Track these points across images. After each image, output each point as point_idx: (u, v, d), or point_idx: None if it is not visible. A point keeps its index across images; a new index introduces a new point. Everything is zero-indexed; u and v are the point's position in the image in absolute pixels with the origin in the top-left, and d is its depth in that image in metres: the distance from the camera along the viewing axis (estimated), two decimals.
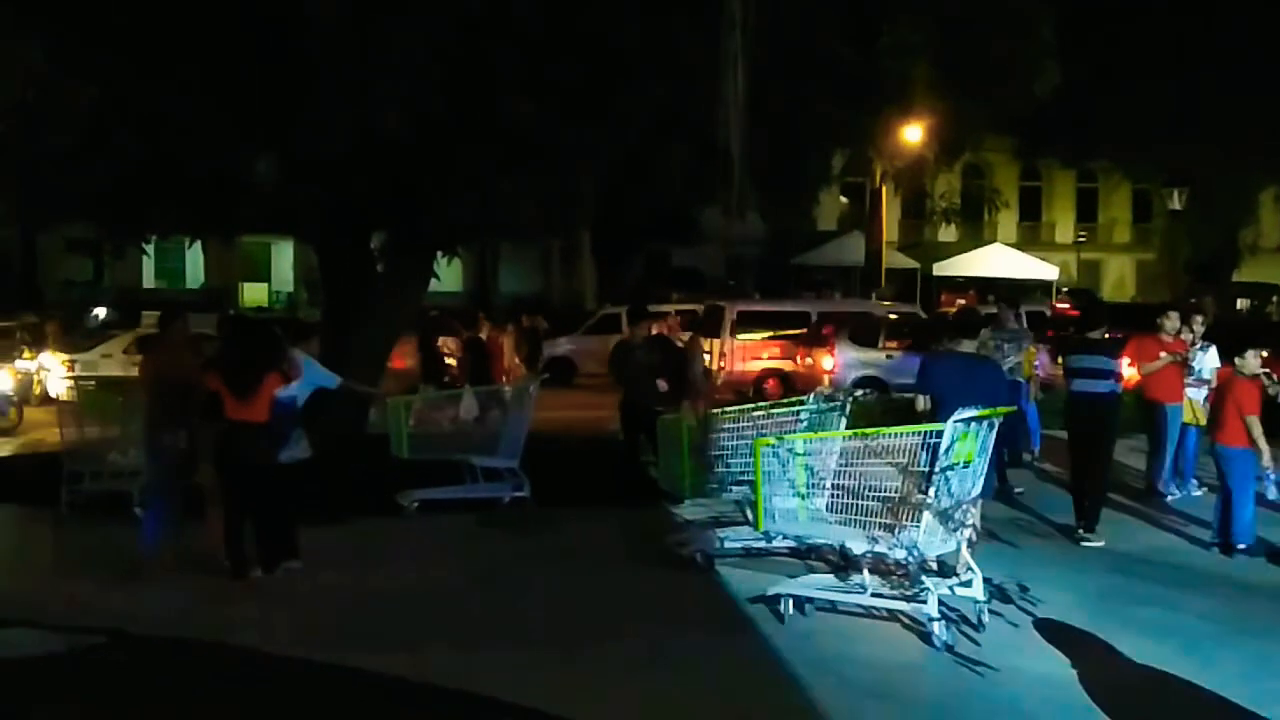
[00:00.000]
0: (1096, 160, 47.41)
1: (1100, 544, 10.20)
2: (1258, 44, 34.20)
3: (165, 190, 11.91)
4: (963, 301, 27.49)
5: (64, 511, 11.15)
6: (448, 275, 17.53)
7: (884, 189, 39.47)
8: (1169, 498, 12.08)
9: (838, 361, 20.61)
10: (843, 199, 48.60)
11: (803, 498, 8.22)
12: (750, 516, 8.76)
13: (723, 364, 21.49)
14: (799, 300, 27.20)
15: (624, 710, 6.47)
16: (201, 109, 11.11)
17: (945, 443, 7.29)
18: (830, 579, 8.41)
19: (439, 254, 14.27)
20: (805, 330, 22.61)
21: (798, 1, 25.55)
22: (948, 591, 7.71)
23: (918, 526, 7.43)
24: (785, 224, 43.15)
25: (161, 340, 10.68)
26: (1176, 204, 37.67)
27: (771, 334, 22.90)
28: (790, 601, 7.91)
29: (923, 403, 8.97)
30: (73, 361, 21.65)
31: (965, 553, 7.84)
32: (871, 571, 7.98)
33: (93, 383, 20.20)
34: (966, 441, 7.45)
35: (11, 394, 18.63)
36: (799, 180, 38.37)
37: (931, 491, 7.37)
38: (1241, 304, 37.76)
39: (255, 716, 6.51)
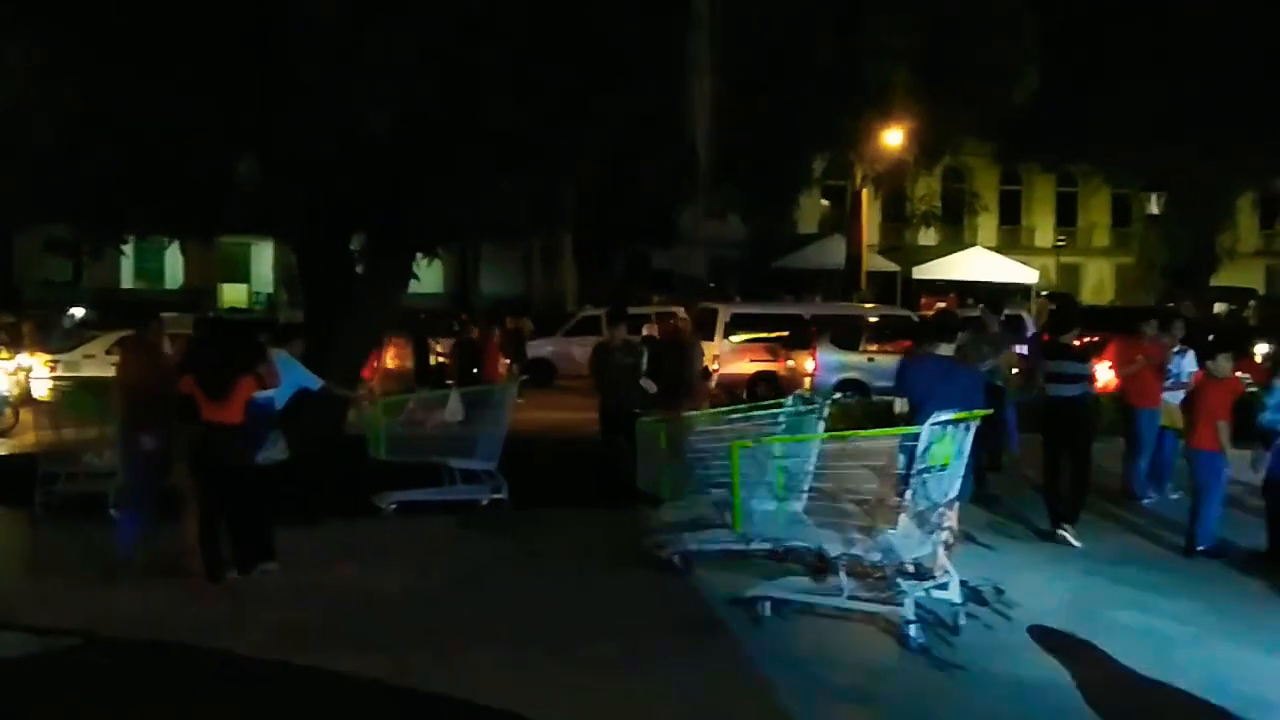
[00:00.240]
0: (1076, 164, 47.68)
1: (1077, 543, 10.27)
2: (1236, 51, 34.43)
3: (145, 191, 11.86)
4: (942, 305, 27.53)
5: (38, 513, 11.08)
6: (428, 276, 17.49)
7: (864, 192, 39.61)
8: (1145, 501, 12.15)
9: (818, 364, 20.64)
10: (824, 202, 48.72)
11: (780, 500, 8.23)
12: (728, 519, 8.75)
13: (716, 366, 21.53)
14: (793, 303, 27.22)
15: (602, 712, 6.47)
16: (185, 109, 11.07)
17: (922, 445, 7.31)
18: (807, 581, 8.42)
19: (419, 255, 14.25)
20: (788, 333, 22.67)
21: (779, 5, 25.65)
22: (924, 594, 7.74)
23: (894, 529, 7.45)
24: (766, 227, 43.30)
25: (138, 342, 10.63)
26: (1155, 208, 37.92)
27: (765, 336, 22.93)
28: (768, 604, 7.94)
29: (901, 405, 9.00)
30: (55, 362, 21.55)
31: (942, 556, 7.87)
32: (848, 574, 7.98)
33: (68, 383, 20.08)
34: (944, 444, 7.47)
35: (8, 394, 18.51)
36: (780, 183, 38.48)
37: (908, 494, 7.39)
38: (1219, 308, 37.97)
39: (231, 719, 6.48)
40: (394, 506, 11.26)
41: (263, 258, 44.08)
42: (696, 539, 9.41)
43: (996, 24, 32.16)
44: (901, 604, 7.49)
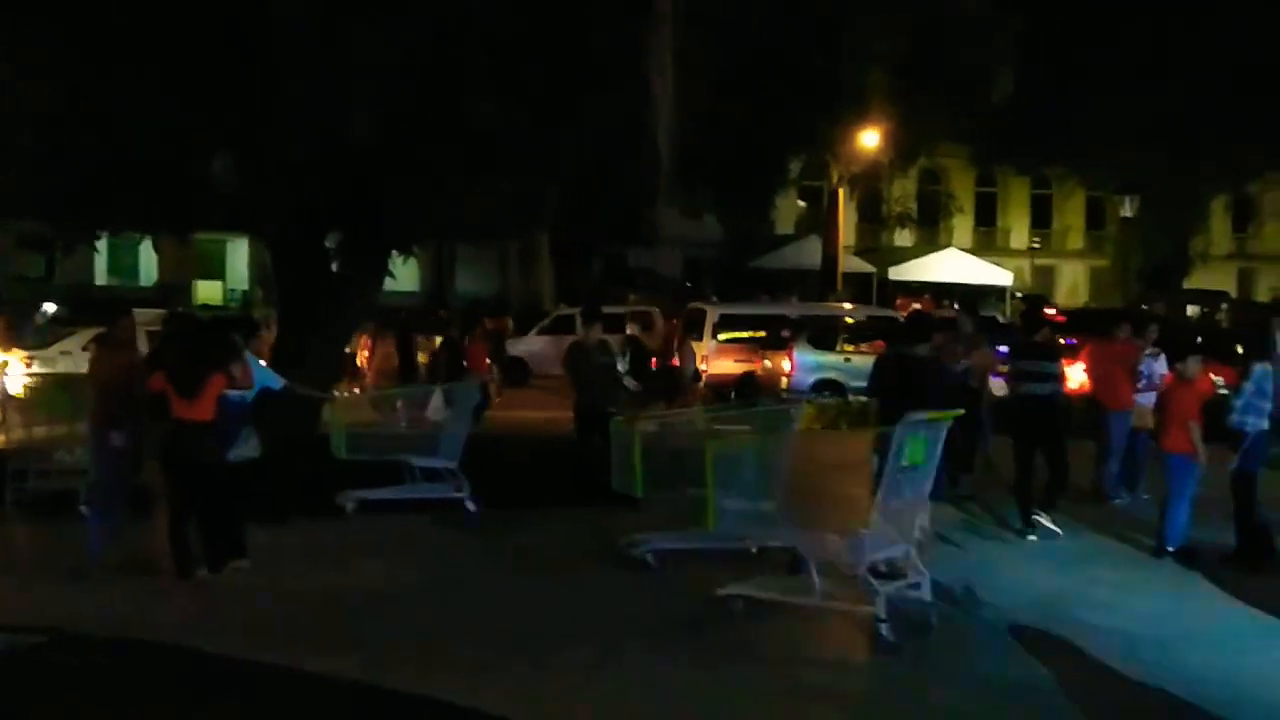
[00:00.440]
0: (1051, 167, 47.94)
1: (1058, 530, 10.41)
2: (1210, 55, 34.68)
3: (121, 188, 11.79)
4: (917, 306, 27.64)
5: (8, 510, 11.00)
6: (404, 275, 17.44)
7: (841, 193, 39.71)
8: (1117, 501, 12.22)
9: (795, 364, 20.69)
10: (800, 203, 48.85)
11: (753, 500, 8.23)
12: (702, 518, 8.76)
13: (705, 367, 21.54)
14: (783, 304, 27.28)
15: (574, 712, 6.46)
16: (161, 107, 11.02)
17: (895, 445, 7.33)
18: (780, 580, 8.43)
19: (395, 253, 14.21)
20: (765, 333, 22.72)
21: (757, 6, 25.65)
22: (896, 593, 7.76)
23: (867, 528, 7.47)
24: (743, 227, 43.37)
25: (109, 339, 10.57)
26: (1128, 211, 38.11)
27: (754, 337, 22.95)
28: (741, 602, 7.94)
29: (874, 405, 9.03)
30: (31, 358, 21.44)
31: (914, 555, 7.89)
32: (821, 573, 8.01)
33: (41, 379, 19.94)
34: (916, 444, 7.50)
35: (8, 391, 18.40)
36: (757, 183, 38.56)
37: (880, 493, 7.42)
38: (1192, 311, 38.21)
39: (202, 717, 6.44)
40: (354, 505, 11.14)
41: (238, 255, 43.88)
42: (670, 538, 9.42)
43: (973, 27, 32.31)
44: (874, 603, 7.51)
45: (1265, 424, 10.03)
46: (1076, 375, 14.05)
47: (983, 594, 8.66)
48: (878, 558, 7.75)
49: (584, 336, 12.91)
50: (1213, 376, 12.05)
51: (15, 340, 22.46)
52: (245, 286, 43.45)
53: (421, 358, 21.02)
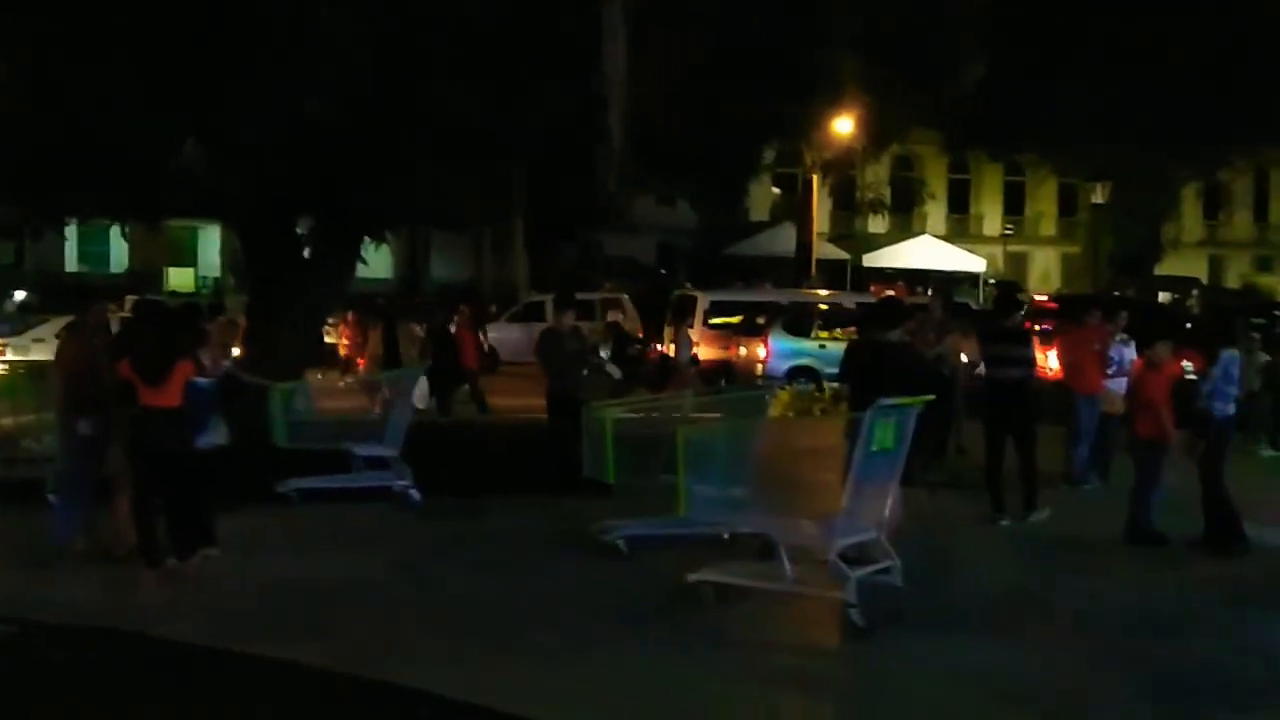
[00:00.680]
0: (1024, 154, 48.10)
1: (1045, 515, 10.54)
2: (1181, 43, 34.83)
3: (86, 173, 11.69)
4: (890, 292, 27.73)
5: None
6: (376, 261, 17.32)
7: (814, 180, 39.74)
8: (1086, 487, 12.26)
9: (770, 350, 20.72)
10: (774, 190, 48.87)
11: (724, 485, 8.23)
12: (673, 504, 8.75)
13: (696, 352, 21.57)
14: (771, 291, 27.36)
15: (545, 698, 6.44)
16: (128, 91, 10.92)
17: (865, 430, 7.34)
18: (751, 566, 8.43)
19: (366, 239, 14.15)
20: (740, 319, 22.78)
21: None
22: (866, 578, 7.76)
23: (837, 514, 7.47)
24: (717, 214, 43.37)
25: (79, 326, 10.47)
26: (1100, 198, 38.30)
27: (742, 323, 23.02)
28: (711, 588, 7.94)
29: (846, 391, 9.04)
30: (3, 346, 21.32)
31: (884, 540, 7.89)
32: (791, 558, 8.01)
33: (10, 366, 19.83)
34: (886, 429, 7.51)
35: None
36: (731, 171, 38.54)
37: (851, 479, 7.42)
38: (1163, 297, 38.43)
39: (171, 705, 6.39)
40: (296, 493, 11.01)
41: (210, 241, 43.59)
42: (641, 524, 9.41)
43: (945, 13, 32.34)
44: (844, 588, 7.51)
45: (1232, 409, 10.10)
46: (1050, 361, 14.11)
47: (953, 579, 8.68)
48: (848, 543, 7.76)
49: (557, 323, 12.88)
50: (1183, 363, 12.11)
51: None
52: (217, 274, 43.21)
53: (408, 346, 20.94)
